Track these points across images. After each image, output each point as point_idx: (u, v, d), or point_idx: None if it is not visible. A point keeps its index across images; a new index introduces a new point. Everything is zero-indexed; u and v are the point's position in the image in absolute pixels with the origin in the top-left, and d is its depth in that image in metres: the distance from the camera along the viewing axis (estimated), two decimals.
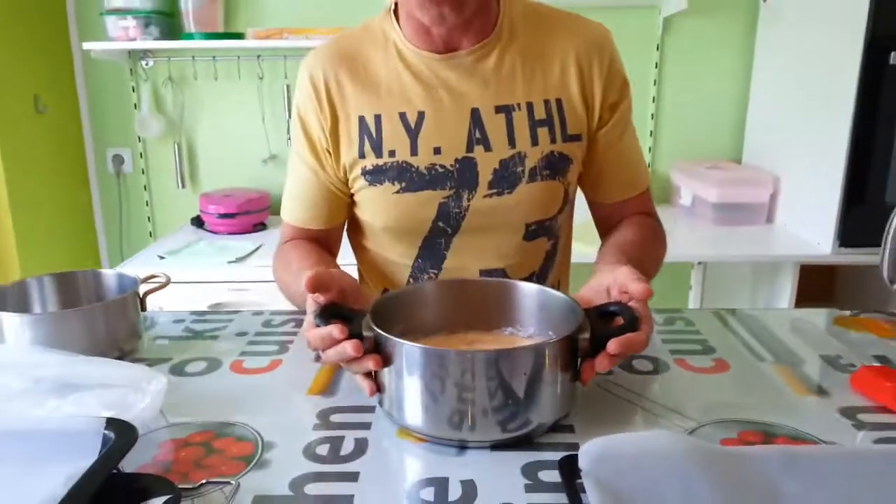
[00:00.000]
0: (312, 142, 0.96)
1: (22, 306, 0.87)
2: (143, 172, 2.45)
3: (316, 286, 0.70)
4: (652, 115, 2.36)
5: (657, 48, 2.31)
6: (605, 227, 1.04)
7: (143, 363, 0.83)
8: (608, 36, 0.94)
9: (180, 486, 0.56)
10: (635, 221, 0.99)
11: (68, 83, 2.36)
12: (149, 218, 2.50)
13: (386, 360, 0.66)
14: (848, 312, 0.99)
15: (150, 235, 2.50)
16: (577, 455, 0.57)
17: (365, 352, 0.66)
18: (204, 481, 0.60)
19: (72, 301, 0.90)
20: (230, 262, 1.88)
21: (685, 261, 1.94)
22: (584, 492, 0.55)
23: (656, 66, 2.33)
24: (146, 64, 2.34)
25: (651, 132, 2.37)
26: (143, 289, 0.91)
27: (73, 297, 0.91)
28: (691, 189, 2.15)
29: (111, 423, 0.61)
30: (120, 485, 0.56)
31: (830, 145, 1.78)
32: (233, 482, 0.60)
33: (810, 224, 1.89)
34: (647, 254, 0.93)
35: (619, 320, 0.68)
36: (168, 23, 2.23)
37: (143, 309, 0.90)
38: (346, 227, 1.07)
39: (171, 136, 2.41)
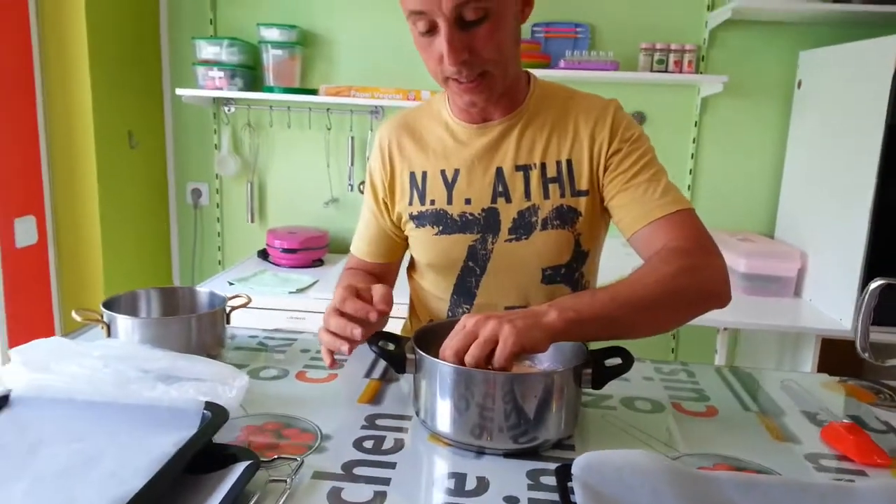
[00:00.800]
0: (376, 192, 1.17)
1: (132, 312, 1.07)
2: (217, 206, 2.71)
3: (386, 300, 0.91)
4: (689, 185, 2.51)
5: (695, 125, 2.47)
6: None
7: None
8: (613, 103, 1.10)
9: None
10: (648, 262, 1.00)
11: (158, 123, 2.65)
12: (219, 248, 2.74)
13: (424, 378, 0.82)
14: (837, 378, 1.11)
15: (220, 264, 2.74)
16: (571, 464, 0.71)
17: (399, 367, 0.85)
18: (276, 457, 0.76)
19: (171, 311, 1.09)
20: (291, 293, 2.08)
21: (711, 325, 2.05)
22: (573, 494, 0.69)
23: (694, 141, 2.48)
24: (228, 110, 2.61)
25: None
26: (228, 306, 1.10)
27: (173, 307, 1.10)
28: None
29: (209, 405, 0.78)
30: (214, 451, 0.73)
31: (853, 225, 1.90)
32: (298, 459, 0.76)
33: (834, 300, 1.99)
34: (616, 286, 0.91)
35: (618, 361, 0.83)
36: (251, 75, 2.50)
37: (228, 322, 1.08)
38: (406, 267, 1.27)
39: (245, 175, 2.66)
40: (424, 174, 1.12)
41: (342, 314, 0.91)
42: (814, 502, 0.69)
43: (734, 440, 0.86)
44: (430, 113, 1.16)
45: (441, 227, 1.11)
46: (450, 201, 1.11)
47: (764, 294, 2.15)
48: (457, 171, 1.11)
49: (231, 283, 2.11)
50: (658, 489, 0.68)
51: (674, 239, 0.99)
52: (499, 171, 1.09)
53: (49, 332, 2.25)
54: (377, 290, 0.92)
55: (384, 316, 0.91)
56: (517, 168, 1.09)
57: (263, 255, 2.52)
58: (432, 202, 1.12)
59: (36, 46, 2.12)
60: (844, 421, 0.92)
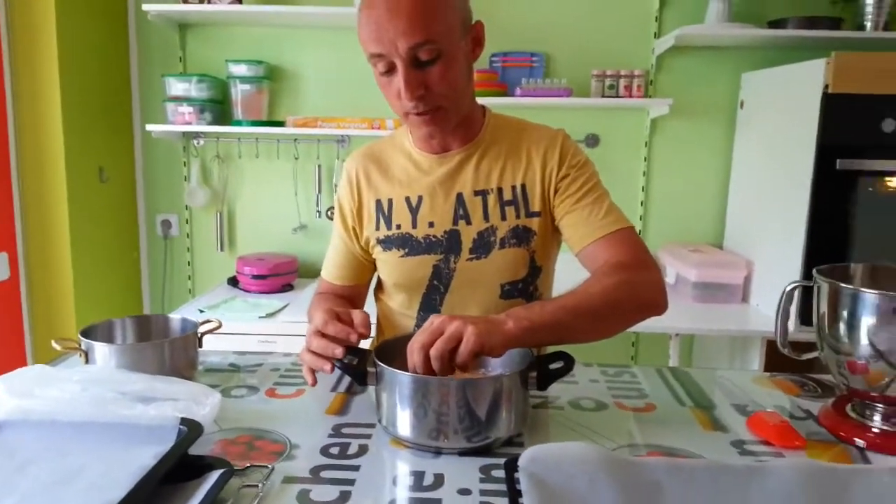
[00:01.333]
0: (345, 219, 1.25)
1: (108, 339, 1.12)
2: (187, 236, 2.76)
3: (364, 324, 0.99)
4: (641, 202, 2.63)
5: (646, 145, 2.61)
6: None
7: None
8: (560, 133, 1.22)
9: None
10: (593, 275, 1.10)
11: (128, 157, 2.70)
12: (189, 277, 2.78)
13: (385, 388, 0.90)
14: (767, 374, 1.21)
15: (190, 292, 2.78)
16: (518, 457, 0.79)
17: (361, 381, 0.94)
18: (248, 465, 0.83)
19: (145, 337, 1.15)
20: (261, 318, 2.14)
21: (664, 332, 2.16)
22: (518, 485, 0.77)
23: (645, 160, 2.61)
24: (197, 143, 2.68)
25: (641, 217, 2.64)
26: (199, 330, 1.16)
27: (147, 334, 1.16)
28: (675, 268, 2.39)
29: (184, 420, 0.84)
30: (190, 461, 0.79)
31: (792, 235, 2.03)
32: (269, 466, 0.83)
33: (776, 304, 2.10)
34: (564, 297, 1.00)
35: (560, 363, 0.92)
36: (220, 109, 2.57)
37: (200, 346, 1.15)
38: (373, 289, 1.35)
39: (214, 206, 2.72)
40: (390, 201, 1.21)
41: (324, 336, 0.98)
42: (732, 479, 0.77)
43: (668, 431, 0.95)
44: (393, 145, 1.25)
45: (407, 250, 1.20)
46: (414, 225, 1.20)
47: (714, 301, 2.27)
48: (420, 198, 1.20)
49: (201, 311, 2.16)
50: (594, 476, 0.76)
51: (615, 255, 1.10)
52: (459, 196, 1.19)
53: (21, 363, 2.26)
54: (357, 314, 1.00)
55: (363, 339, 0.99)
56: (476, 193, 1.19)
57: (233, 282, 2.58)
58: (398, 226, 1.20)
59: (8, 83, 2.17)
60: (769, 410, 1.02)
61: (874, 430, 0.92)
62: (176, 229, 2.76)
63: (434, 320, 0.88)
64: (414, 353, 0.87)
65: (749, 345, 2.18)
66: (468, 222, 1.19)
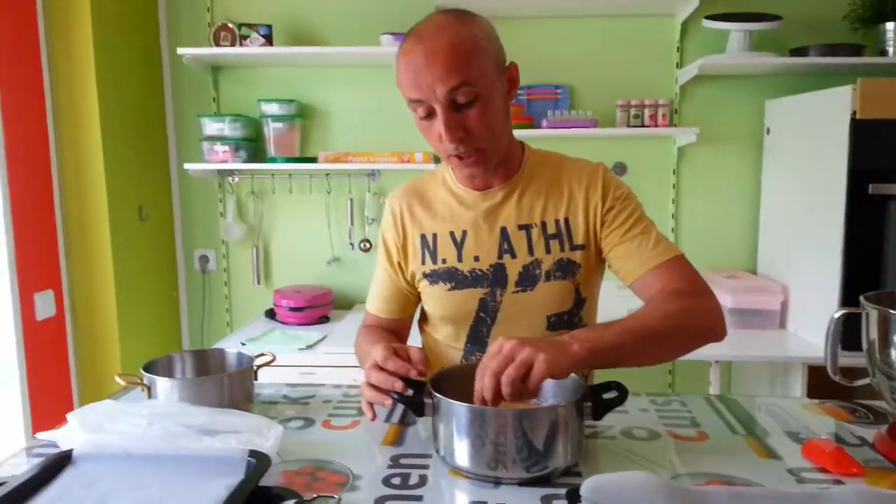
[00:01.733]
0: (390, 254, 1.28)
1: (168, 373, 1.16)
2: (225, 271, 2.82)
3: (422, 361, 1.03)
4: (672, 228, 2.65)
5: (673, 172, 2.63)
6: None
7: None
8: (601, 167, 1.24)
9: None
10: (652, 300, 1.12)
11: (166, 195, 2.78)
12: (227, 310, 2.84)
13: (442, 419, 0.92)
14: (817, 401, 1.21)
15: (228, 325, 2.83)
16: (579, 487, 0.81)
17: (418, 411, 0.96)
18: (315, 496, 0.85)
19: (204, 371, 1.19)
20: (301, 349, 2.18)
21: (703, 359, 2.15)
22: None
23: (674, 188, 2.64)
24: (232, 180, 2.75)
25: None
26: (255, 364, 1.19)
27: (205, 367, 1.20)
28: None
29: (253, 452, 0.87)
30: (261, 492, 0.82)
31: (828, 259, 2.03)
32: (336, 497, 0.85)
33: (816, 329, 2.10)
34: (625, 320, 1.02)
35: (614, 393, 0.94)
36: (254, 147, 2.64)
37: (256, 379, 1.18)
38: (417, 321, 1.37)
39: (250, 240, 2.78)
40: (435, 236, 1.25)
41: (384, 370, 1.01)
42: None
43: (723, 460, 0.96)
44: (435, 181, 1.29)
45: (453, 283, 1.23)
46: (460, 259, 1.22)
47: (751, 327, 2.27)
48: (465, 232, 1.23)
49: (243, 343, 2.20)
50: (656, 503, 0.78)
51: (671, 282, 1.12)
52: (503, 230, 1.22)
53: (67, 400, 2.32)
54: (414, 351, 1.04)
55: (421, 375, 1.01)
56: (520, 227, 1.21)
57: (271, 314, 2.62)
58: (444, 261, 1.23)
59: (51, 127, 2.26)
60: (823, 438, 1.02)
61: None
62: (213, 264, 2.82)
63: (504, 345, 0.90)
64: (485, 378, 0.89)
65: (790, 371, 2.17)
66: (513, 256, 1.21)
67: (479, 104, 1.08)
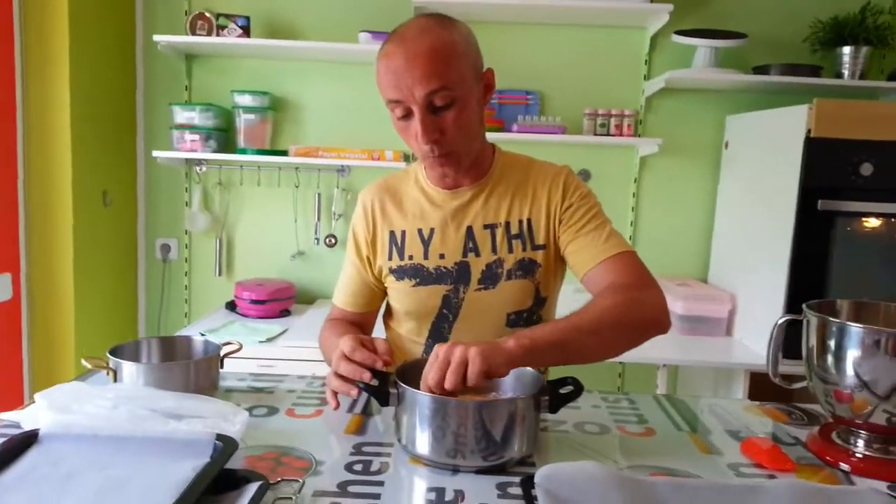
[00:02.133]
0: (359, 249, 1.32)
1: (134, 358, 1.17)
2: (186, 261, 2.80)
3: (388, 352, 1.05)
4: (630, 236, 2.73)
5: (634, 181, 2.71)
6: None
7: None
8: (565, 169, 1.29)
9: None
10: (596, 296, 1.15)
11: (131, 182, 2.75)
12: (186, 300, 2.82)
13: (406, 408, 0.96)
14: (757, 403, 1.28)
15: (186, 316, 2.81)
16: (534, 475, 0.85)
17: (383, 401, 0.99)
18: (280, 479, 0.88)
19: (170, 357, 1.20)
20: (261, 342, 2.19)
21: (652, 362, 2.23)
22: (536, 500, 0.83)
23: (634, 196, 2.72)
24: (200, 169, 2.73)
25: None
26: (222, 352, 1.21)
27: (171, 354, 1.21)
28: None
29: (220, 436, 0.89)
30: (227, 475, 0.84)
31: (775, 271, 2.12)
32: (300, 480, 0.88)
33: (760, 338, 2.19)
34: (568, 317, 1.05)
35: (570, 388, 0.98)
36: (224, 137, 2.64)
37: (222, 367, 1.20)
38: (382, 315, 1.40)
39: (214, 231, 2.77)
40: (403, 233, 1.28)
41: (352, 361, 1.04)
42: (732, 498, 0.84)
43: (668, 454, 1.01)
44: (408, 179, 1.33)
45: (418, 280, 1.27)
46: (426, 256, 1.26)
47: (699, 333, 2.36)
48: (432, 230, 1.27)
49: (202, 334, 2.19)
50: (606, 493, 0.83)
51: (617, 276, 1.16)
52: (469, 229, 1.26)
53: (18, 382, 2.28)
54: (380, 343, 1.07)
55: (387, 366, 1.04)
56: (485, 227, 1.26)
57: (231, 306, 2.61)
58: (410, 257, 1.27)
59: (19, 106, 2.22)
60: (760, 436, 1.09)
61: (858, 455, 0.99)
62: (175, 253, 2.80)
63: (438, 351, 0.94)
64: (428, 384, 0.93)
65: (733, 376, 2.26)
66: (477, 254, 1.26)
67: (456, 108, 1.12)
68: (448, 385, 0.91)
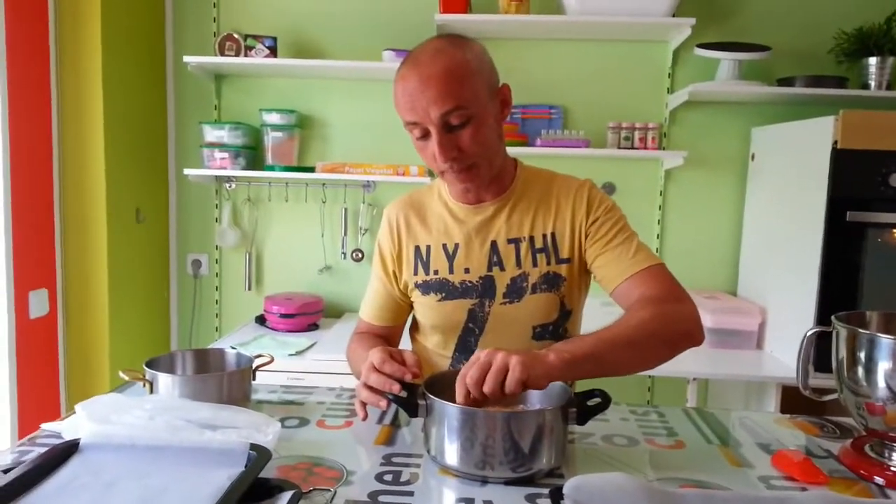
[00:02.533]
0: (385, 264, 1.34)
1: (170, 370, 1.20)
2: (216, 276, 2.85)
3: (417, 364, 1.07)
4: (657, 249, 2.72)
5: (660, 194, 2.71)
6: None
7: None
8: (587, 183, 1.30)
9: None
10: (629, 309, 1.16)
11: (163, 199, 2.81)
12: (217, 315, 2.87)
13: (435, 419, 0.97)
14: (787, 416, 1.27)
15: (217, 330, 2.86)
16: (562, 486, 0.86)
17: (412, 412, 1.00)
18: (312, 488, 0.90)
19: (204, 369, 1.23)
20: (290, 355, 2.22)
21: (682, 376, 2.22)
22: None
23: (660, 209, 2.71)
24: (230, 186, 2.79)
25: None
26: (254, 364, 1.24)
27: (205, 365, 1.24)
28: None
29: (254, 446, 0.91)
30: (261, 483, 0.86)
31: (805, 284, 2.10)
32: (332, 490, 0.90)
33: (791, 351, 2.17)
34: (602, 330, 1.07)
35: (598, 400, 0.99)
36: (252, 155, 2.69)
37: (254, 379, 1.22)
38: (409, 329, 1.42)
39: (243, 246, 2.82)
40: (428, 248, 1.30)
41: (381, 373, 1.06)
42: None
43: (698, 467, 1.01)
44: (432, 194, 1.35)
45: (444, 294, 1.28)
46: (451, 271, 1.28)
47: (729, 347, 2.34)
48: (457, 245, 1.28)
49: (233, 347, 2.22)
50: (634, 503, 0.83)
51: (649, 290, 1.17)
52: (493, 244, 1.27)
53: (55, 395, 2.34)
54: (409, 355, 1.09)
55: (416, 378, 1.06)
56: (509, 241, 1.27)
57: (261, 320, 2.65)
58: (436, 272, 1.29)
59: (55, 127, 2.30)
60: (792, 449, 1.08)
61: (892, 468, 0.98)
62: (206, 268, 2.86)
63: (480, 354, 0.96)
64: (464, 386, 0.94)
65: (764, 390, 2.23)
66: (502, 269, 1.27)
67: (472, 125, 1.14)
68: (487, 389, 0.92)
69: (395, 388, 1.03)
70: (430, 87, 1.10)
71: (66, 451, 0.90)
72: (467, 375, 0.94)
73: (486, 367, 0.94)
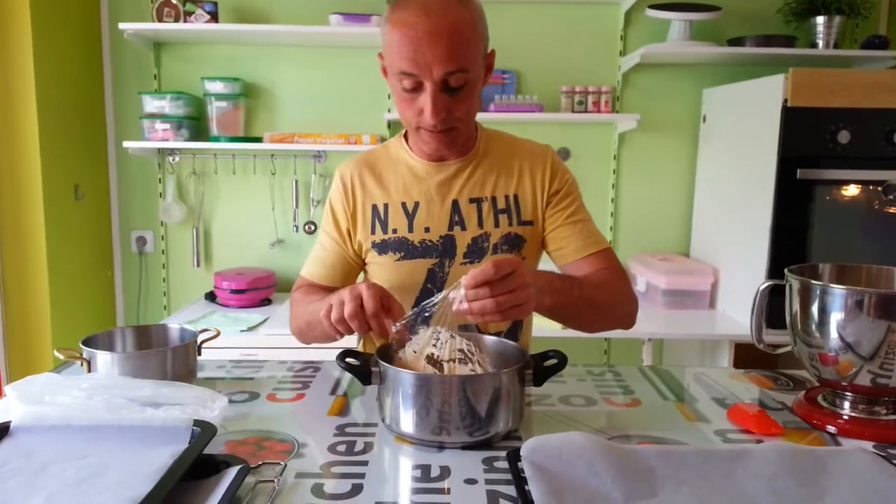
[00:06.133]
0: (338, 222, 1.29)
1: (109, 348, 1.14)
2: (163, 252, 2.75)
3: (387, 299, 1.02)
4: (611, 213, 2.72)
5: (614, 158, 2.70)
6: None
7: None
8: (549, 149, 1.31)
9: None
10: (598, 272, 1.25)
11: (103, 175, 2.69)
12: (164, 293, 2.77)
13: (388, 387, 0.94)
14: (742, 371, 1.28)
15: (165, 309, 2.77)
16: (520, 448, 0.84)
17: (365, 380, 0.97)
18: (261, 462, 0.86)
19: (145, 345, 1.17)
20: (242, 331, 2.15)
21: (637, 337, 2.24)
22: (523, 473, 0.81)
23: (614, 173, 2.71)
24: (173, 159, 2.68)
25: (611, 227, 2.73)
26: (199, 339, 1.18)
27: (147, 342, 1.18)
28: (645, 277, 2.48)
29: (197, 422, 0.87)
30: (206, 460, 0.82)
31: (756, 243, 2.13)
32: (282, 463, 0.86)
33: (743, 309, 2.21)
34: (584, 281, 1.17)
35: (554, 361, 0.97)
36: (196, 126, 2.59)
37: (199, 354, 1.17)
38: None
39: (190, 222, 2.72)
40: (386, 206, 1.26)
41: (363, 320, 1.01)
42: (719, 462, 0.83)
43: (655, 423, 1.01)
44: (387, 154, 1.31)
45: (403, 253, 1.25)
46: (411, 230, 1.24)
47: (682, 307, 2.37)
48: (417, 203, 1.25)
49: (180, 325, 2.15)
50: (592, 461, 0.82)
51: (603, 269, 1.25)
52: (455, 203, 1.25)
53: None
54: (396, 306, 1.03)
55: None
56: (471, 200, 1.25)
57: (211, 297, 2.58)
58: (394, 231, 1.25)
59: None
60: (747, 402, 1.08)
61: (844, 416, 1.00)
62: (151, 245, 2.75)
63: (519, 273, 0.94)
64: (484, 295, 0.93)
65: (717, 347, 2.27)
66: (463, 228, 1.24)
67: (466, 90, 1.12)
68: (499, 307, 0.93)
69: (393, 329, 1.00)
70: (440, 44, 1.06)
71: None
72: (494, 283, 0.92)
73: (504, 272, 0.93)
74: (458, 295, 0.94)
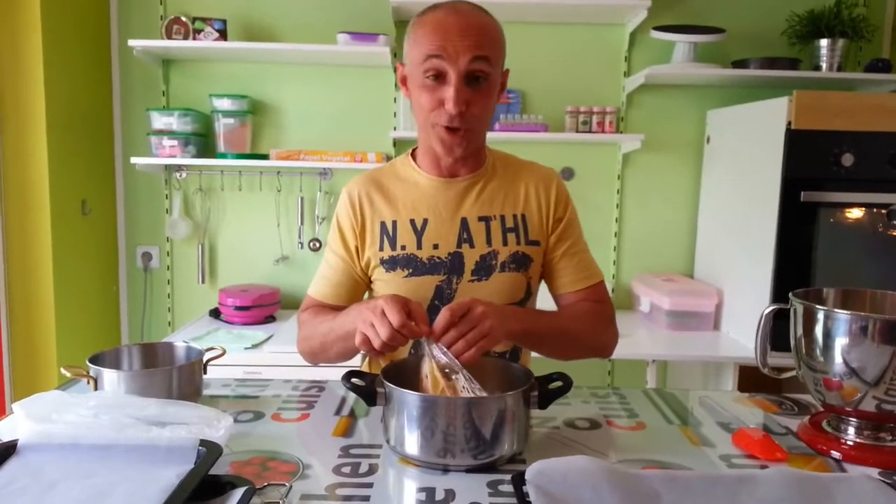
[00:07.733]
0: (346, 240, 1.29)
1: (115, 365, 1.15)
2: (168, 269, 2.76)
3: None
4: (615, 233, 2.73)
5: (618, 178, 2.72)
6: None
7: None
8: (554, 173, 1.34)
9: None
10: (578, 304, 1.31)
11: (110, 190, 2.71)
12: (169, 309, 2.78)
13: (394, 408, 0.94)
14: (746, 395, 1.28)
15: (170, 325, 2.77)
16: (525, 472, 0.84)
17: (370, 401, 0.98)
18: (266, 484, 0.86)
19: (152, 363, 1.18)
20: (247, 349, 2.16)
21: (641, 359, 2.23)
22: (528, 497, 0.81)
23: (618, 193, 2.72)
24: (180, 175, 2.70)
25: (615, 248, 2.74)
26: (205, 357, 1.19)
27: (153, 360, 1.19)
28: (649, 297, 2.48)
29: (203, 442, 0.87)
30: (211, 480, 0.82)
31: (761, 264, 2.13)
32: (287, 484, 0.86)
33: (747, 331, 2.20)
34: (557, 317, 1.27)
35: (559, 383, 0.98)
36: (203, 142, 2.61)
37: (205, 373, 1.18)
38: None
39: (196, 238, 2.74)
40: (394, 223, 1.27)
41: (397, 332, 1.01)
42: (724, 488, 0.83)
43: (659, 447, 1.01)
44: (394, 172, 1.32)
45: (411, 270, 1.25)
46: (419, 246, 1.25)
47: (686, 329, 2.36)
48: (425, 220, 1.26)
49: (186, 342, 2.16)
50: (597, 486, 0.82)
51: (586, 302, 1.31)
52: (463, 220, 1.26)
53: (0, 393, 2.24)
54: (418, 310, 1.03)
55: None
56: (480, 218, 1.26)
57: (215, 314, 2.58)
58: (403, 247, 1.26)
59: None
60: (752, 427, 1.08)
61: (849, 442, 0.99)
62: (157, 261, 2.76)
63: (474, 309, 1.01)
64: (447, 331, 1.00)
65: (722, 369, 2.27)
66: (471, 245, 1.25)
67: (486, 87, 1.16)
68: (464, 344, 0.99)
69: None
70: (470, 34, 1.12)
71: (2, 454, 0.85)
72: (455, 326, 1.00)
73: (460, 313, 1.00)
74: (435, 348, 1.00)
